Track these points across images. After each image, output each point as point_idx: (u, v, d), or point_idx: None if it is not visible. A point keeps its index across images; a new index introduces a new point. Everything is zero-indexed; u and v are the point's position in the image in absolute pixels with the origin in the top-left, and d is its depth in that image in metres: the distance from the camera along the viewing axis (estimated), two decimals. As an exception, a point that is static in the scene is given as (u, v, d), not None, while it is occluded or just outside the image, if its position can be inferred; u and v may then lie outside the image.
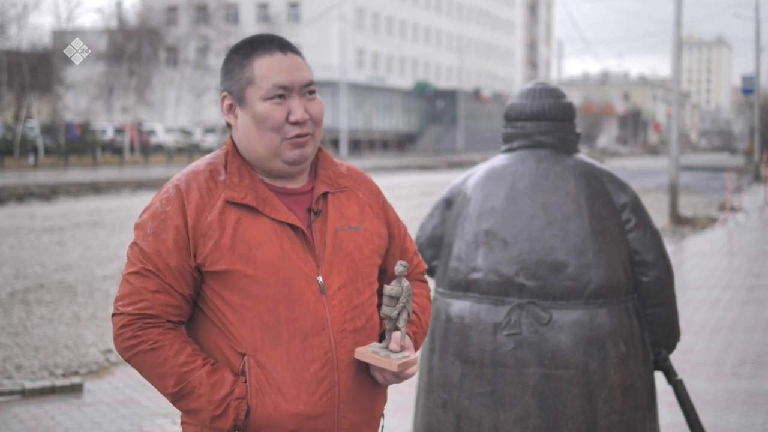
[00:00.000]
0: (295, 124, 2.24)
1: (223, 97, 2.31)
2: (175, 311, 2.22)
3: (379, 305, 2.39)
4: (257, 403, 2.17)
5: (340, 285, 2.26)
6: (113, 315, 2.24)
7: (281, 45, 2.28)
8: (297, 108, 2.24)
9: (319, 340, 2.20)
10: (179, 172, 2.33)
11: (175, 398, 2.21)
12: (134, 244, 2.25)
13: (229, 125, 2.32)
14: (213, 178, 2.26)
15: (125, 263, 2.28)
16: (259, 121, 2.23)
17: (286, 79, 2.23)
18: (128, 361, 2.24)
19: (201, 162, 2.32)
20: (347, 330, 2.24)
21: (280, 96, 2.23)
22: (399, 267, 2.19)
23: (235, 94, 2.27)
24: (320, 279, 2.24)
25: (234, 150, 2.31)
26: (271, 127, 2.23)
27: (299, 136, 2.24)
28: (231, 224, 2.21)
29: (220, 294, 2.21)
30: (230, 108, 2.29)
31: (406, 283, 2.20)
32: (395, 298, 2.19)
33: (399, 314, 2.19)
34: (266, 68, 2.24)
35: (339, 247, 2.28)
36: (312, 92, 2.28)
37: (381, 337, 2.35)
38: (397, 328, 2.21)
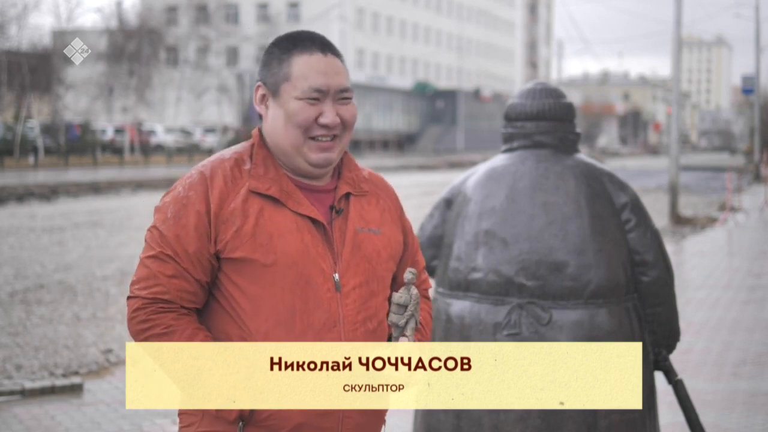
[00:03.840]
0: (323, 126, 2.24)
1: (258, 87, 2.31)
2: (190, 297, 2.21)
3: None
4: None
5: (356, 285, 2.25)
6: (128, 298, 2.23)
7: (322, 45, 2.28)
8: (329, 112, 2.24)
9: (331, 337, 2.19)
10: (205, 161, 2.32)
11: None
12: (153, 227, 2.24)
13: (259, 116, 2.33)
14: (238, 167, 2.26)
15: (143, 247, 2.27)
16: (289, 116, 2.24)
17: (322, 83, 2.24)
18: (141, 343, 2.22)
19: (227, 151, 2.32)
20: (359, 330, 2.23)
21: (315, 98, 2.24)
22: (408, 274, 2.17)
23: (269, 86, 2.28)
24: (336, 276, 2.23)
25: (261, 142, 2.31)
26: (298, 124, 2.23)
27: (324, 137, 2.24)
28: (254, 212, 2.21)
29: (236, 282, 2.20)
30: (263, 98, 2.30)
31: (414, 291, 2.17)
32: (403, 306, 2.17)
33: (407, 322, 2.16)
34: (305, 67, 2.24)
35: (357, 247, 2.28)
36: (346, 98, 2.28)
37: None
38: (404, 336, 2.18)
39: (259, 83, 2.31)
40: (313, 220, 2.24)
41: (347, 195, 2.33)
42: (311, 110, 2.24)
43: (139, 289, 2.20)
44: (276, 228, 2.20)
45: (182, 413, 2.27)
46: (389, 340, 2.33)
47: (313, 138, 2.24)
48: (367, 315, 2.26)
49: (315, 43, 2.28)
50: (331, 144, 2.26)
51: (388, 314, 2.24)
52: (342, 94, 2.27)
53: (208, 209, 2.20)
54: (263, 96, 2.30)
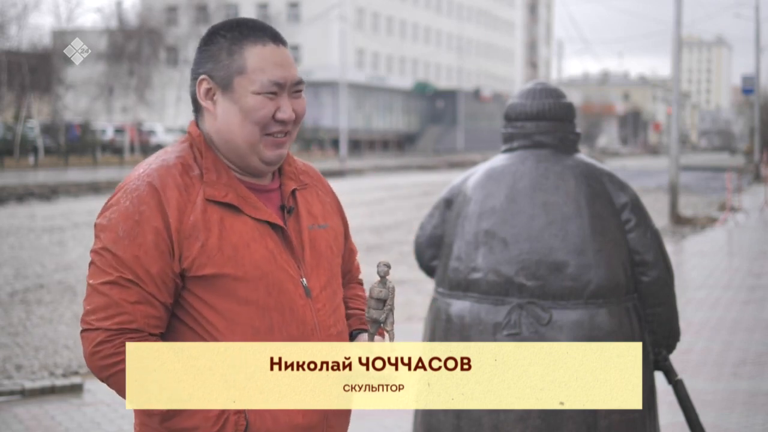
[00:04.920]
0: (280, 122, 2.13)
1: (202, 80, 2.13)
2: (157, 323, 2.04)
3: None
4: (256, 416, 2.07)
5: (321, 287, 2.18)
6: (85, 331, 2.02)
7: (273, 35, 2.14)
8: (286, 107, 2.12)
9: None
10: (144, 167, 2.11)
11: (165, 417, 2.04)
12: (103, 249, 2.03)
13: (196, 111, 2.17)
14: (187, 174, 2.09)
15: (90, 271, 2.05)
16: (246, 112, 2.09)
17: (280, 76, 2.11)
18: (106, 380, 2.05)
19: (167, 156, 2.12)
20: (332, 335, 2.17)
21: (274, 93, 2.11)
22: (383, 268, 2.10)
23: (218, 79, 2.11)
24: (304, 281, 2.15)
25: (205, 143, 2.14)
26: (256, 121, 2.10)
27: (280, 133, 2.13)
28: (215, 223, 2.05)
29: (206, 301, 2.06)
30: (208, 92, 2.13)
31: (391, 284, 2.12)
32: (383, 301, 2.11)
33: (386, 317, 2.12)
34: (259, 60, 2.10)
35: (313, 247, 2.19)
36: (299, 91, 2.17)
37: (350, 339, 2.30)
38: (384, 331, 2.14)
39: (204, 77, 2.12)
40: (272, 225, 2.13)
41: (293, 191, 2.21)
42: (270, 106, 2.10)
43: (99, 320, 2.00)
44: (239, 238, 2.06)
45: None
46: (351, 335, 2.30)
47: (268, 134, 2.11)
48: (336, 318, 2.20)
49: (266, 32, 2.13)
50: (285, 140, 2.14)
51: (366, 311, 2.16)
52: (296, 87, 2.14)
53: (167, 225, 2.02)
54: (209, 90, 2.12)
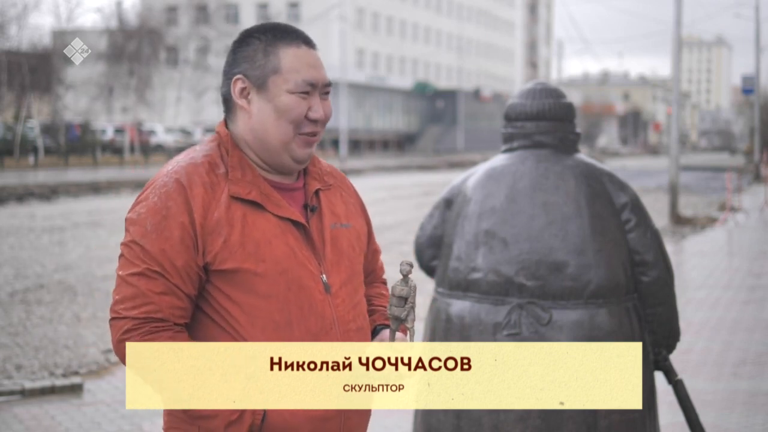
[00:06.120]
0: (313, 121, 2.21)
1: (237, 79, 2.21)
2: (181, 313, 2.12)
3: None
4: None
5: (341, 284, 2.23)
6: (113, 319, 2.12)
7: (305, 39, 2.24)
8: (318, 106, 2.21)
9: (327, 340, 2.17)
10: (173, 164, 2.21)
11: None
12: (132, 242, 2.12)
13: (227, 111, 2.24)
14: (213, 172, 2.17)
15: (120, 263, 2.15)
16: (281, 111, 2.18)
17: (313, 76, 2.20)
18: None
19: (195, 154, 2.22)
20: (351, 330, 2.22)
21: (306, 92, 2.20)
22: (405, 267, 2.15)
23: (253, 78, 2.20)
24: (324, 277, 2.20)
25: (232, 142, 2.23)
26: (291, 120, 2.19)
27: (312, 134, 2.22)
28: (238, 220, 2.14)
29: (228, 294, 2.13)
30: (243, 91, 2.21)
31: (413, 282, 2.17)
32: (404, 299, 2.16)
33: (408, 314, 2.16)
34: (294, 60, 2.19)
35: (335, 244, 2.26)
36: (327, 93, 2.25)
37: (374, 334, 2.34)
38: (405, 329, 2.18)
39: (240, 76, 2.21)
40: (294, 222, 2.20)
41: (316, 191, 2.29)
42: (303, 105, 2.19)
43: (127, 309, 2.09)
44: (261, 234, 2.14)
45: (170, 429, 2.18)
46: (374, 330, 2.34)
47: (302, 134, 2.20)
48: (356, 313, 2.25)
49: (299, 35, 2.23)
50: (315, 139, 2.23)
51: (388, 307, 2.21)
52: (326, 89, 2.24)
53: (192, 220, 2.11)
54: (243, 89, 2.21)
